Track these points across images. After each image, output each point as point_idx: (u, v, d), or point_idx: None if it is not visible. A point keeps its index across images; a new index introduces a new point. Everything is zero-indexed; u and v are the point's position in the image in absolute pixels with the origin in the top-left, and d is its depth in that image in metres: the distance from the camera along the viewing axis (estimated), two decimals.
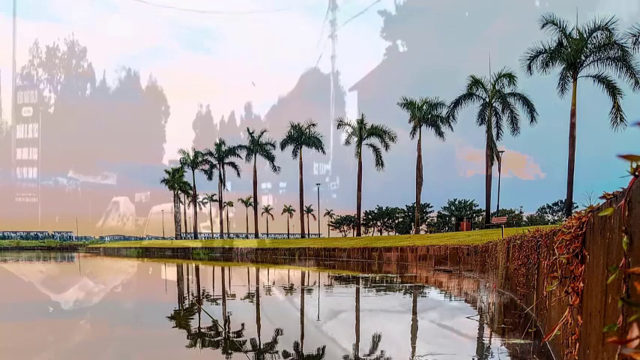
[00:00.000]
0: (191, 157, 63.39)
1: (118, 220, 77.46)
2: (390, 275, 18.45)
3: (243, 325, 8.02)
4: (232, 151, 59.37)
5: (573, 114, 31.31)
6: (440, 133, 42.62)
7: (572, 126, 31.27)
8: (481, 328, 7.54)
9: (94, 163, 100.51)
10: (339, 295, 12.62)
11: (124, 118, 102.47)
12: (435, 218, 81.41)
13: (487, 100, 38.59)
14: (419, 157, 42.58)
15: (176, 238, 67.28)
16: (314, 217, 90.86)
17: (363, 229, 72.47)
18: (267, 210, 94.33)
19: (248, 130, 57.12)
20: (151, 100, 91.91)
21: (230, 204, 78.68)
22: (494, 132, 38.96)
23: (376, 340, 6.64)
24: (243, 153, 57.72)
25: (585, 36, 30.47)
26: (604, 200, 2.32)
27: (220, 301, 11.15)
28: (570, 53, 30.74)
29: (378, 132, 46.77)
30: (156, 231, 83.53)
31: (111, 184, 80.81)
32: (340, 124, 47.96)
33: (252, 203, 60.81)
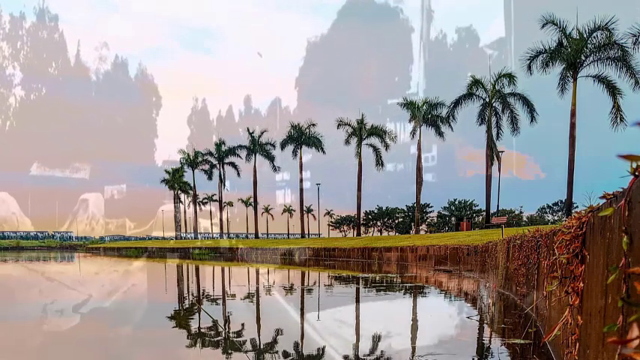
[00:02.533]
0: (191, 157, 63.40)
1: (86, 223, 76.22)
2: (390, 275, 18.45)
3: (243, 325, 8.02)
4: (232, 151, 59.37)
5: (573, 114, 31.31)
6: (440, 133, 42.66)
7: (572, 126, 31.28)
8: (481, 328, 7.54)
9: (95, 164, 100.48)
10: (339, 295, 12.62)
11: (123, 117, 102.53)
12: (435, 218, 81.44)
13: (487, 100, 38.59)
14: (419, 157, 42.60)
15: (176, 238, 67.30)
16: (314, 217, 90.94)
17: (363, 229, 72.51)
18: (267, 210, 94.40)
19: (248, 130, 57.17)
20: (151, 99, 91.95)
21: (230, 204, 78.85)
22: (494, 132, 38.98)
23: (376, 340, 6.64)
24: (243, 153, 57.78)
25: (585, 36, 30.47)
26: (604, 200, 2.32)
27: (220, 301, 11.15)
28: (570, 53, 30.74)
29: (377, 132, 46.79)
30: (156, 231, 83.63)
31: (112, 185, 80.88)
32: (340, 124, 47.96)
33: (252, 203, 60.84)
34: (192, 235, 67.48)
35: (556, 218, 69.29)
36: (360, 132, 46.88)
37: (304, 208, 57.63)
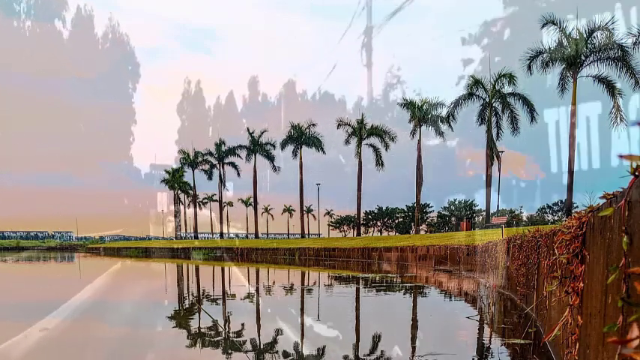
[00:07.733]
0: (191, 157, 63.35)
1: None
2: (389, 275, 18.45)
3: (243, 325, 8.02)
4: (232, 151, 59.30)
5: (573, 114, 31.31)
6: (440, 133, 42.66)
7: (572, 126, 31.28)
8: (481, 328, 7.54)
9: (96, 164, 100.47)
10: (339, 295, 12.62)
11: (122, 118, 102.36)
12: (435, 218, 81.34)
13: (487, 100, 38.58)
14: (419, 157, 42.59)
15: (176, 238, 67.30)
16: (314, 217, 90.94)
17: (363, 229, 72.43)
18: (267, 210, 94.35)
19: (248, 130, 57.09)
20: (151, 100, 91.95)
21: (230, 204, 78.66)
22: (494, 132, 38.96)
23: (376, 339, 6.64)
24: (243, 153, 57.68)
25: (585, 36, 30.47)
26: (604, 200, 2.32)
27: (220, 301, 11.15)
28: (570, 53, 30.73)
29: (378, 132, 46.78)
30: (156, 231, 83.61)
31: (112, 185, 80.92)
32: (340, 124, 47.95)
33: (252, 203, 60.79)
34: (192, 235, 67.45)
35: (556, 218, 69.15)
36: (360, 132, 46.87)
37: (304, 208, 57.61)
